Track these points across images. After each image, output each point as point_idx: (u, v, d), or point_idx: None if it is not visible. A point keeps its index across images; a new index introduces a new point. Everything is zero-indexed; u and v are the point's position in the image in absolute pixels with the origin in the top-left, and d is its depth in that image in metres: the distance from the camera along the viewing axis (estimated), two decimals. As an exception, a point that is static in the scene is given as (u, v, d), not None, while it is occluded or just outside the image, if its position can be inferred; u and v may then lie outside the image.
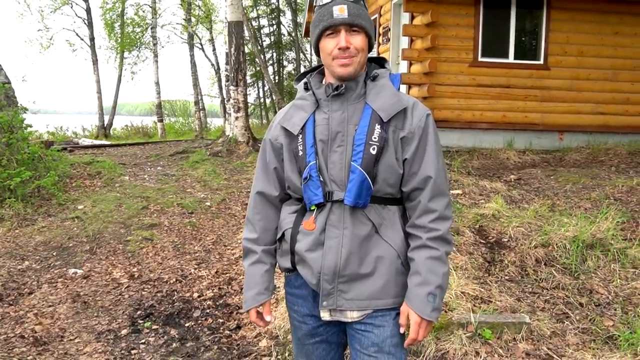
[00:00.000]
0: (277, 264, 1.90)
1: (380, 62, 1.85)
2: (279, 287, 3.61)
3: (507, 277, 4.12)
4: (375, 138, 1.66)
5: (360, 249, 1.70)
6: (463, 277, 3.91)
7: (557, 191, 6.55)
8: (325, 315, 1.77)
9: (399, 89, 1.79)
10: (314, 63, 21.67)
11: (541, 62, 9.31)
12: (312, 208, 1.73)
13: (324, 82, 1.81)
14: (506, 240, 4.82)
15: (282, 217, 1.86)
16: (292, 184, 1.79)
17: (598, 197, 5.93)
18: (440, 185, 1.73)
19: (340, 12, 1.65)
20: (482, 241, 4.89)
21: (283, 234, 1.82)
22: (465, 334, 3.15)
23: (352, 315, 1.75)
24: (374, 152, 1.66)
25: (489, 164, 8.50)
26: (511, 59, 9.25)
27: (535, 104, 9.25)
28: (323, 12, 1.69)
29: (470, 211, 5.60)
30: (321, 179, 1.70)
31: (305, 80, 1.84)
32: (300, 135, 1.74)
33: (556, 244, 4.37)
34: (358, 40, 1.68)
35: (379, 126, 1.67)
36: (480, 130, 9.21)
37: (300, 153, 1.73)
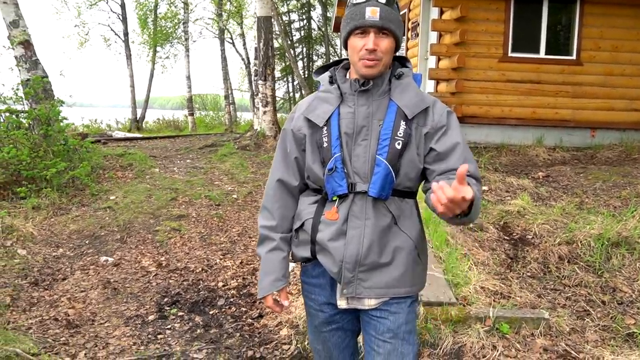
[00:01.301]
0: (293, 253, 1.96)
1: (402, 60, 1.91)
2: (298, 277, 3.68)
3: (528, 274, 4.11)
4: (400, 133, 1.73)
5: (380, 239, 1.77)
6: (484, 272, 3.92)
7: (587, 189, 6.45)
8: (342, 303, 1.84)
9: (419, 87, 1.85)
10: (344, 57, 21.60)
11: (573, 57, 9.13)
12: (334, 199, 1.79)
13: (347, 77, 1.86)
14: (530, 237, 4.80)
15: (301, 208, 1.91)
16: (313, 174, 1.85)
17: (628, 196, 5.83)
18: (468, 154, 1.77)
19: (372, 14, 1.70)
20: (505, 237, 4.88)
21: (302, 224, 1.88)
22: (482, 328, 3.17)
23: (369, 303, 1.82)
24: (398, 147, 1.72)
25: (517, 161, 8.41)
26: (542, 54, 9.10)
27: (567, 100, 9.09)
28: (355, 11, 1.73)
29: (496, 207, 5.58)
30: (345, 170, 1.76)
31: (329, 73, 1.89)
32: (325, 127, 1.79)
33: (580, 242, 4.34)
34: (385, 44, 1.73)
35: (404, 122, 1.74)
36: (509, 127, 9.10)
37: (325, 144, 1.78)
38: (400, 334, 1.81)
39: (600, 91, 9.11)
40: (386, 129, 1.74)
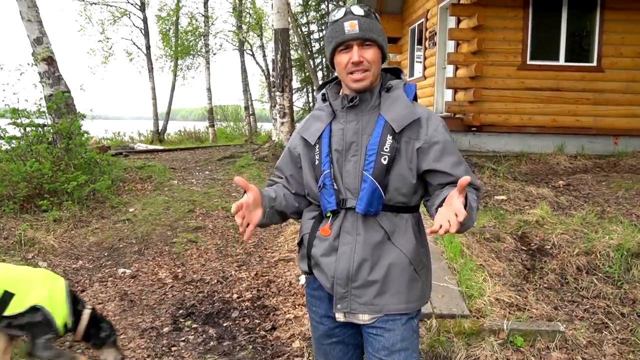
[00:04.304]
0: (299, 267, 1.99)
1: (396, 72, 1.90)
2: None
3: (545, 285, 4.04)
4: (386, 148, 1.72)
5: (372, 255, 1.76)
6: (499, 283, 3.87)
7: (608, 197, 6.33)
8: (339, 317, 1.84)
9: (415, 99, 1.83)
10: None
11: (594, 64, 9.03)
12: (328, 215, 1.80)
13: (340, 94, 1.88)
14: (549, 247, 4.72)
15: (302, 222, 1.94)
16: (311, 191, 1.87)
17: (651, 204, 5.70)
18: (466, 166, 1.78)
19: (352, 27, 1.71)
20: (523, 248, 4.81)
21: (302, 239, 1.91)
22: (496, 340, 3.12)
23: (363, 318, 1.81)
24: (385, 162, 1.71)
25: (537, 169, 8.29)
26: (562, 62, 9.02)
27: (588, 107, 8.97)
28: (335, 28, 1.75)
29: (514, 217, 5.51)
30: (335, 187, 1.77)
31: (323, 91, 1.91)
32: (317, 145, 1.82)
33: (599, 252, 4.25)
34: (370, 54, 1.74)
35: (390, 137, 1.73)
36: (529, 135, 9.01)
37: (317, 162, 1.81)
38: (396, 351, 1.79)
39: (622, 98, 8.97)
40: (372, 144, 1.73)
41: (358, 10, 1.74)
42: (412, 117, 1.75)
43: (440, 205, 1.61)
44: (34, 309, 2.68)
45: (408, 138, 1.75)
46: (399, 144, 1.74)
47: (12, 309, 2.66)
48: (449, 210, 1.50)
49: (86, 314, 2.91)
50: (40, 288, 2.75)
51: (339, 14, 1.76)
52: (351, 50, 1.73)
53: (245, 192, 1.70)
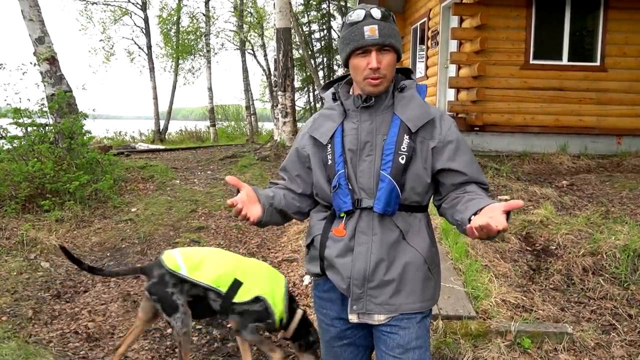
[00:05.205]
0: (306, 269, 1.96)
1: (407, 72, 1.89)
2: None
3: (551, 286, 4.02)
4: (404, 148, 1.71)
5: (388, 255, 1.75)
6: (505, 284, 3.84)
7: (612, 197, 6.31)
8: (353, 318, 1.83)
9: (424, 99, 1.82)
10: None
11: (597, 63, 9.00)
12: (342, 215, 1.79)
13: (351, 93, 1.86)
14: (554, 247, 4.70)
15: (312, 224, 1.92)
16: (321, 192, 1.85)
17: (656, 205, 5.68)
18: (476, 163, 1.79)
19: (372, 33, 1.69)
20: (528, 248, 4.78)
21: (312, 240, 1.88)
22: (503, 342, 3.10)
23: (379, 318, 1.80)
24: (402, 162, 1.71)
25: (540, 169, 8.27)
26: (565, 61, 8.99)
27: (591, 107, 8.94)
28: (354, 31, 1.73)
29: (518, 217, 5.48)
30: (350, 187, 1.75)
31: (333, 90, 1.90)
32: (329, 145, 1.79)
33: (605, 253, 4.22)
34: (388, 59, 1.73)
35: (407, 136, 1.72)
36: (532, 135, 8.98)
37: (330, 162, 1.78)
38: (411, 349, 1.79)
39: (625, 97, 8.94)
40: (389, 144, 1.72)
41: (377, 13, 1.72)
42: (427, 117, 1.75)
43: (474, 213, 1.58)
44: (257, 299, 2.86)
45: (423, 138, 1.75)
46: (415, 144, 1.73)
47: (239, 297, 2.85)
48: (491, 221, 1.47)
49: (299, 314, 3.05)
50: (264, 280, 2.94)
51: (357, 15, 1.73)
52: (369, 55, 1.71)
53: (238, 190, 1.70)
